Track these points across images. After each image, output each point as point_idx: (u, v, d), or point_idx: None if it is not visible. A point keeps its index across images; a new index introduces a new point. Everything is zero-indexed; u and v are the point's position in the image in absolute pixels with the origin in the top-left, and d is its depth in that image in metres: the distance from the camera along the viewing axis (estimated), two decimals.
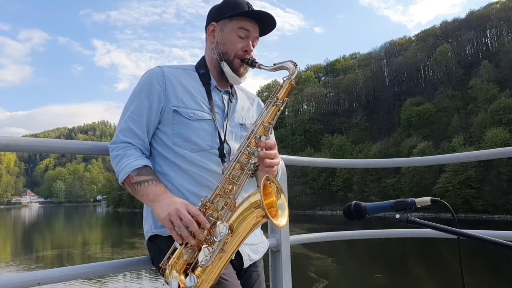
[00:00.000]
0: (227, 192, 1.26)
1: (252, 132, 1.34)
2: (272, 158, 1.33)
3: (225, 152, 1.40)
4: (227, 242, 1.18)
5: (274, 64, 1.43)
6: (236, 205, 1.25)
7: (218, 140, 1.41)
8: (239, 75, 1.47)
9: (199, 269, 1.17)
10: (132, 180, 1.30)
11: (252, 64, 1.44)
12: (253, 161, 1.30)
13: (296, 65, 1.39)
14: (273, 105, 1.36)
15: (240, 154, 1.31)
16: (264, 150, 1.31)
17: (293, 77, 1.38)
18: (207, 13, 1.54)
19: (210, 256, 1.15)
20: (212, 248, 1.16)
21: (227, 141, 1.43)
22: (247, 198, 1.22)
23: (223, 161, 1.38)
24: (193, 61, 1.56)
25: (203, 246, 1.18)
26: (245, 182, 1.29)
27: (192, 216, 1.18)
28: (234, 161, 1.30)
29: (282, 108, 1.37)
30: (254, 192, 1.21)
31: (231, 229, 1.18)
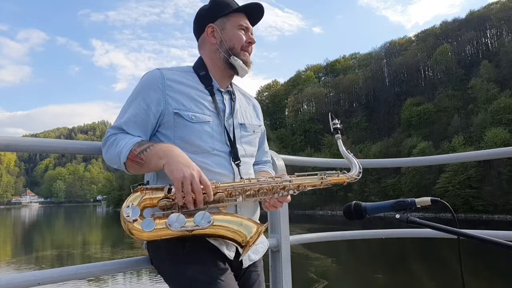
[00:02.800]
0: (232, 195, 1.30)
1: (290, 181, 1.40)
2: (277, 207, 1.47)
3: (224, 152, 1.42)
4: (198, 230, 1.22)
5: (349, 152, 1.59)
6: (226, 209, 1.32)
7: (219, 143, 1.41)
8: (247, 65, 1.51)
9: (162, 222, 1.20)
10: (136, 152, 1.27)
11: (337, 132, 1.61)
12: (267, 198, 1.38)
13: (360, 174, 1.54)
14: (319, 180, 1.46)
15: (268, 184, 1.36)
16: (278, 200, 1.41)
17: (349, 179, 1.51)
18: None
19: (179, 228, 1.19)
20: (185, 224, 1.20)
21: (227, 142, 1.44)
22: (244, 219, 1.28)
23: (237, 165, 1.43)
24: (192, 61, 1.57)
25: (179, 212, 1.22)
26: (249, 203, 1.39)
27: (203, 185, 1.23)
28: (259, 184, 1.35)
29: (321, 188, 1.48)
30: (253, 223, 1.29)
31: (211, 225, 1.22)
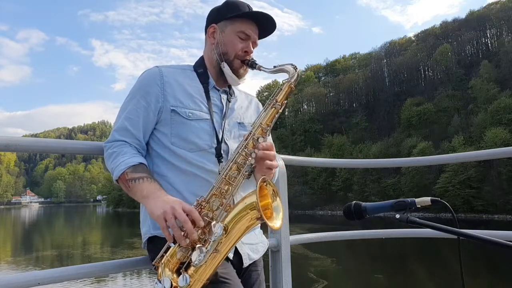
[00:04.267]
0: (222, 192, 1.26)
1: (250, 133, 1.34)
2: (271, 159, 1.33)
3: (222, 151, 1.40)
4: (221, 242, 1.18)
5: (274, 67, 1.44)
6: (232, 206, 1.25)
7: (216, 140, 1.41)
8: (239, 76, 1.48)
9: (192, 268, 1.17)
10: (127, 177, 1.29)
11: (252, 65, 1.45)
12: (250, 163, 1.31)
13: (296, 68, 1.40)
14: (272, 107, 1.37)
15: (237, 155, 1.31)
16: (263, 151, 1.31)
17: (292, 80, 1.39)
18: (205, 14, 1.56)
19: (204, 256, 1.15)
20: (206, 248, 1.16)
21: (226, 140, 1.43)
22: (243, 200, 1.22)
23: (219, 161, 1.38)
24: (191, 61, 1.57)
25: (197, 245, 1.18)
26: (241, 183, 1.30)
27: (187, 214, 1.17)
28: (231, 161, 1.30)
29: (280, 111, 1.37)
30: (250, 193, 1.21)
31: (225, 229, 1.18)
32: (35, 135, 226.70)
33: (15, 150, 1.34)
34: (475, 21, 70.78)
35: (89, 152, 1.56)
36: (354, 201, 1.25)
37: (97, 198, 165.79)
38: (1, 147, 1.31)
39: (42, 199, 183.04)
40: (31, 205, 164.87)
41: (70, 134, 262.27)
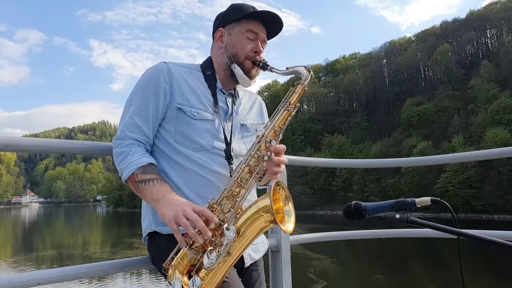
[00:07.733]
0: (234, 195, 1.25)
1: (263, 136, 1.32)
2: (281, 165, 1.34)
3: (224, 151, 1.40)
4: (233, 245, 1.16)
5: (287, 68, 1.43)
6: (243, 208, 1.24)
7: (219, 141, 1.40)
8: (250, 77, 1.47)
9: (203, 271, 1.15)
10: (137, 178, 1.28)
11: (264, 66, 1.44)
12: (262, 165, 1.30)
13: (310, 71, 1.40)
14: (285, 110, 1.35)
15: (249, 158, 1.30)
16: (277, 157, 1.32)
17: (306, 82, 1.38)
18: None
19: (216, 259, 1.14)
20: (219, 251, 1.15)
21: (230, 142, 1.43)
22: (256, 203, 1.20)
23: (229, 163, 1.38)
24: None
25: (209, 248, 1.16)
26: (253, 186, 1.29)
27: (198, 213, 1.16)
28: (244, 164, 1.29)
29: (293, 113, 1.36)
30: (263, 196, 1.21)
31: (238, 232, 1.17)
32: (35, 135, 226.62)
33: (15, 150, 1.33)
34: (475, 21, 70.87)
35: (89, 152, 1.56)
36: (354, 201, 1.24)
37: (97, 198, 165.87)
38: (1, 147, 1.30)
39: (42, 199, 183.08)
40: (31, 205, 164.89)
41: (70, 134, 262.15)
